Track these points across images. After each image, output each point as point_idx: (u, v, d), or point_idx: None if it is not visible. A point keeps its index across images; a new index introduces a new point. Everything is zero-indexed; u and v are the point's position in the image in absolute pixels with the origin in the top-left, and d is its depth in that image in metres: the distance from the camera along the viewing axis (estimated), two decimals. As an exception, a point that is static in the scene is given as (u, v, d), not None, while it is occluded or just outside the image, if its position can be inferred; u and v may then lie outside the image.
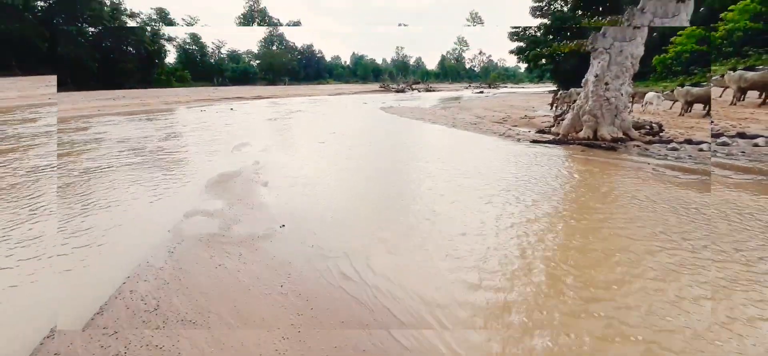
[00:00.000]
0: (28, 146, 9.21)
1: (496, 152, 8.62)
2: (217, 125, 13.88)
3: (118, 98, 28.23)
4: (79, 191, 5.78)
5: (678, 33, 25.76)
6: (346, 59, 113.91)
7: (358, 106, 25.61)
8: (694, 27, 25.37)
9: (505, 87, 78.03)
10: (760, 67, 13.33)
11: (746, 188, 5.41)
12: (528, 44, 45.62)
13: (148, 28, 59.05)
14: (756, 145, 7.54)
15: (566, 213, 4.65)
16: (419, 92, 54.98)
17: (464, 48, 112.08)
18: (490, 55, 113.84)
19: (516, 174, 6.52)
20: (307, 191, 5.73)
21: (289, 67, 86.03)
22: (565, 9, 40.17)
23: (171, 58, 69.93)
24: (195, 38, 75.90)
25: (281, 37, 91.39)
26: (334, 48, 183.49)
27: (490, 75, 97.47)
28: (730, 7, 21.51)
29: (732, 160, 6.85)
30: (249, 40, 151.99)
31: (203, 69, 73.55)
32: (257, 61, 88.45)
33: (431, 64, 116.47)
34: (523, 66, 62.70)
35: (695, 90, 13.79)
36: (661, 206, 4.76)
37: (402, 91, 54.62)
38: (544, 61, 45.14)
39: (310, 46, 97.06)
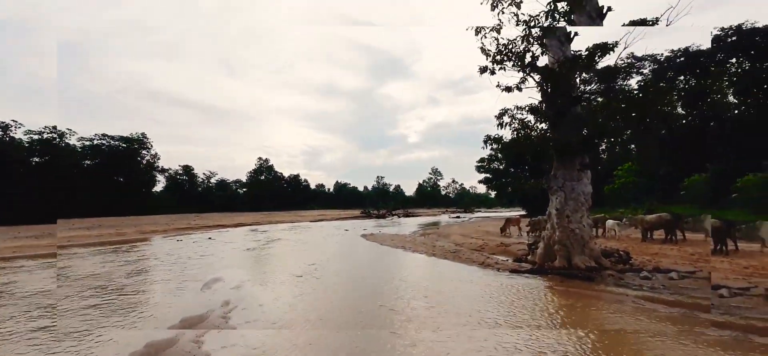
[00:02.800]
0: (-30, 288, 8.34)
1: (481, 287, 8.55)
2: (191, 257, 13.34)
3: (92, 227, 27.31)
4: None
5: (618, 168, 29.93)
6: (329, 187, 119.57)
7: (339, 233, 25.77)
8: (629, 163, 29.87)
9: (480, 211, 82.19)
10: (662, 212, 15.15)
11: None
12: (493, 176, 50.37)
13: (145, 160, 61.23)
14: (671, 279, 8.15)
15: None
16: (399, 217, 56.69)
17: (439, 177, 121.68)
18: (462, 183, 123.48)
19: (512, 317, 6.37)
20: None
21: (276, 194, 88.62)
22: (501, 167, 46.71)
23: (160, 186, 71.21)
24: (186, 168, 79.11)
25: (270, 167, 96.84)
26: (319, 177, 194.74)
27: (464, 201, 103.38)
28: (617, 168, 28.85)
29: (657, 293, 7.13)
30: (239, 171, 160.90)
31: (190, 197, 74.42)
32: (244, 189, 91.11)
33: (409, 190, 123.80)
34: (493, 193, 67.76)
35: (651, 218, 15.05)
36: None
37: (382, 216, 56.22)
38: (510, 189, 49.04)
39: (296, 176, 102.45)
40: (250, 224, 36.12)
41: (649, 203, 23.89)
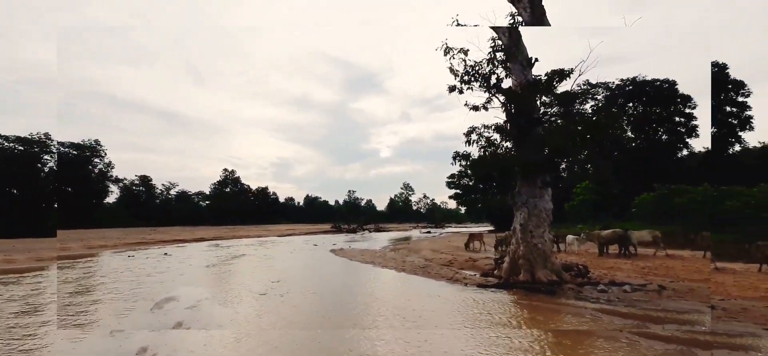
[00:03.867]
0: None
1: (450, 304, 8.55)
2: (143, 274, 12.30)
3: (30, 250, 24.58)
4: None
5: (577, 186, 31.96)
6: (299, 200, 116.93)
7: (308, 248, 25.05)
8: (587, 182, 32.09)
9: (450, 226, 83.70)
10: (619, 229, 16.42)
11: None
12: (463, 192, 51.81)
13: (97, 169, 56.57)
14: (625, 291, 8.72)
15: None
16: (370, 232, 56.34)
17: (410, 192, 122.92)
18: (433, 199, 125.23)
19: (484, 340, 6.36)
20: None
21: (242, 208, 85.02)
22: (470, 184, 48.86)
23: (113, 198, 65.77)
24: (144, 179, 74.21)
25: (237, 180, 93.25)
26: (289, 190, 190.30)
27: (435, 216, 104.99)
28: (576, 186, 31.75)
29: (613, 305, 7.57)
30: (203, 183, 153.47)
31: (148, 210, 69.51)
32: (207, 202, 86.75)
33: (381, 205, 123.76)
34: (463, 208, 69.41)
35: (606, 233, 15.98)
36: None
37: (353, 231, 55.59)
38: (479, 205, 50.54)
39: (264, 189, 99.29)
40: (211, 239, 34.27)
41: (605, 220, 25.49)
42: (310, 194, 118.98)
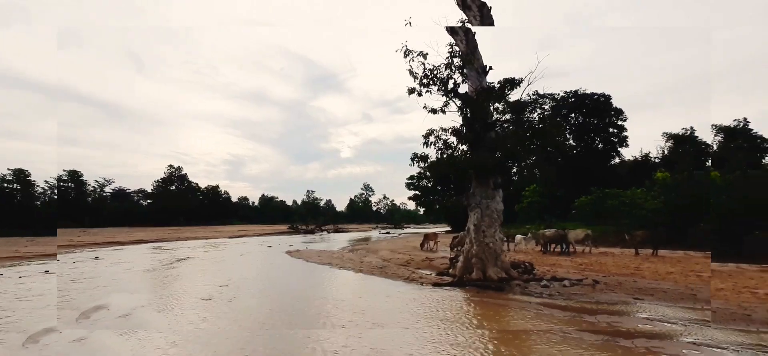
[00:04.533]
0: None
1: (405, 303, 8.62)
2: (68, 280, 10.87)
3: None
4: None
5: (526, 189, 34.22)
6: (254, 200, 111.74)
7: (262, 250, 23.97)
8: (534, 185, 34.55)
9: (409, 227, 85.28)
10: (561, 228, 18.10)
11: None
12: (422, 193, 53.04)
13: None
14: (564, 286, 9.53)
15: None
16: (329, 232, 55.48)
17: (370, 193, 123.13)
18: (393, 200, 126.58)
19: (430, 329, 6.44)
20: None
21: (190, 207, 79.01)
22: (429, 185, 50.50)
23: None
24: (73, 174, 65.99)
25: (183, 177, 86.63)
26: (243, 189, 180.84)
27: (394, 217, 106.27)
28: (525, 189, 34.21)
29: (554, 300, 8.26)
30: (144, 180, 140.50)
31: (78, 209, 61.82)
32: (149, 201, 79.47)
33: (341, 205, 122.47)
34: (422, 209, 71.04)
35: (548, 233, 17.22)
36: (546, 350, 5.13)
37: (311, 232, 54.37)
38: (437, 207, 52.03)
39: (215, 187, 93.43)
40: (152, 241, 31.49)
41: (550, 221, 27.54)
42: (266, 194, 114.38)
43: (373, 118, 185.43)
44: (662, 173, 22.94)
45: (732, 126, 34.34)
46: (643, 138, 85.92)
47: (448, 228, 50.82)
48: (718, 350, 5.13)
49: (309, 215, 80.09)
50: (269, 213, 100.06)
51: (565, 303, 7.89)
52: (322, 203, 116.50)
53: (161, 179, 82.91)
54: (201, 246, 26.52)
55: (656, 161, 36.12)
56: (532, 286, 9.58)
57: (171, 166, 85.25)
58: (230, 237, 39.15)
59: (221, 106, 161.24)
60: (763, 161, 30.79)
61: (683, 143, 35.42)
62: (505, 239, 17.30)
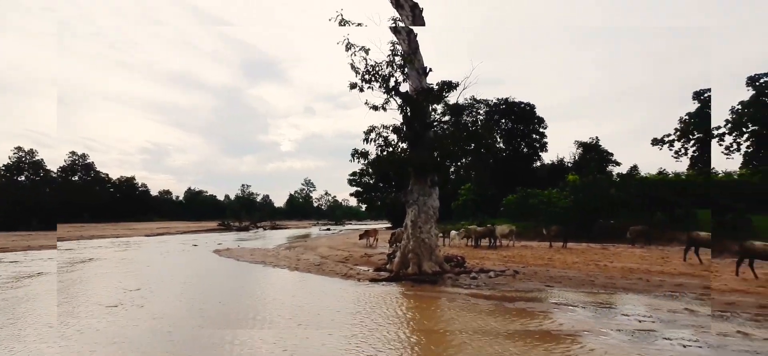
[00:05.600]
0: None
1: (340, 299, 8.46)
2: None
3: None
4: None
5: (461, 187, 36.43)
6: (179, 195, 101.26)
7: (185, 249, 21.75)
8: (469, 184, 37.01)
9: (351, 224, 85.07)
10: (490, 224, 19.79)
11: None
12: (364, 190, 53.28)
13: None
14: (490, 277, 10.42)
15: None
16: (265, 229, 52.74)
17: (312, 189, 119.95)
18: (335, 196, 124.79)
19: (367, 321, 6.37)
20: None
21: (98, 201, 68.25)
22: (371, 182, 51.45)
23: None
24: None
25: (89, 166, 74.74)
26: (164, 182, 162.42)
27: (336, 213, 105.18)
28: (461, 188, 36.68)
29: (480, 289, 8.97)
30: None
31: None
32: (47, 190, 66.78)
33: (280, 201, 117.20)
34: (364, 206, 71.41)
35: (479, 229, 18.50)
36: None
37: (245, 229, 51.11)
38: (378, 203, 52.73)
39: (130, 179, 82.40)
40: (46, 244, 26.54)
41: (482, 217, 29.69)
42: (192, 188, 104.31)
43: (316, 111, 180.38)
44: (573, 176, 26.20)
45: (587, 141, 41.54)
46: (560, 144, 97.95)
47: (389, 225, 51.86)
48: (570, 306, 7.02)
49: (243, 212, 74.93)
50: (197, 209, 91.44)
51: (490, 292, 8.51)
52: (258, 199, 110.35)
53: (61, 167, 70.34)
54: (110, 246, 23.11)
55: (569, 165, 41.18)
56: (462, 278, 10.15)
57: (73, 153, 73.19)
58: (148, 236, 34.87)
59: (139, 86, 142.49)
60: (607, 168, 38.05)
61: (590, 150, 40.94)
62: (441, 234, 18.26)
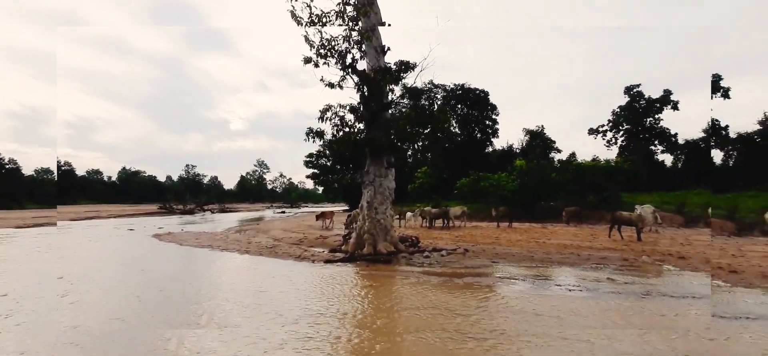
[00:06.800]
0: None
1: (292, 282, 8.21)
2: None
3: None
4: None
5: (418, 171, 37.21)
6: (111, 175, 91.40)
7: (120, 233, 19.74)
8: (426, 167, 37.93)
9: (307, 206, 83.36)
10: (444, 206, 20.63)
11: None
12: (321, 172, 52.25)
13: None
14: (442, 255, 10.78)
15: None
16: (213, 213, 49.76)
17: (265, 170, 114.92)
18: (290, 178, 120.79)
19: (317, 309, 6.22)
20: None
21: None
22: (328, 164, 50.82)
23: None
24: None
25: (-6, 140, 64.01)
26: (93, 160, 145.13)
27: (291, 195, 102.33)
28: (418, 171, 37.66)
29: (432, 267, 9.29)
30: None
31: None
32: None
33: (230, 183, 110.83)
34: (320, 188, 70.19)
35: (434, 210, 19.07)
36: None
37: (190, 212, 47.73)
38: (335, 185, 52.10)
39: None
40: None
41: (437, 199, 30.68)
42: (128, 167, 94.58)
43: (269, 88, 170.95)
44: (520, 161, 27.93)
45: (533, 129, 44.91)
46: (510, 131, 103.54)
47: (346, 207, 51.63)
48: (512, 279, 7.77)
49: (188, 194, 69.73)
50: (134, 191, 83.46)
51: (441, 269, 8.83)
52: (206, 181, 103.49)
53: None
54: (25, 234, 20.20)
55: (517, 150, 43.88)
56: (416, 257, 10.40)
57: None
58: (74, 220, 31.09)
59: (60, 50, 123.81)
60: (550, 155, 41.67)
61: (535, 138, 43.91)
62: (397, 216, 18.56)
